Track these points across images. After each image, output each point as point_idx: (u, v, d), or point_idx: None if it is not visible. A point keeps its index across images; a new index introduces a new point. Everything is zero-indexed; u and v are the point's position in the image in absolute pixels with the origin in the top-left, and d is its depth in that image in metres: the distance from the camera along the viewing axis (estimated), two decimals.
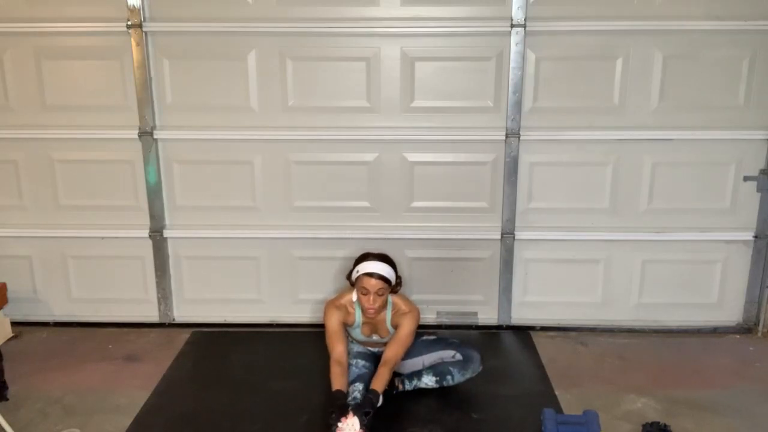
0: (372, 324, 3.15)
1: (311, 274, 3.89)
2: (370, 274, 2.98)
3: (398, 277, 3.11)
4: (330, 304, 3.14)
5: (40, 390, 3.24)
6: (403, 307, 3.11)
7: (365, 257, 3.08)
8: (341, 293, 3.19)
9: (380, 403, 2.90)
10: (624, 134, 3.61)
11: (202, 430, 2.95)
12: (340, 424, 2.71)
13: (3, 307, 3.72)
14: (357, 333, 3.18)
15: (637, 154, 3.66)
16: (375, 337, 3.18)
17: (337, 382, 2.92)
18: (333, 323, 3.08)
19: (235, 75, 3.61)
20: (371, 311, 3.02)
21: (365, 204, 3.79)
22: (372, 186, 3.76)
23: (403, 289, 3.82)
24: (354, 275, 3.05)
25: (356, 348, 3.21)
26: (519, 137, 3.60)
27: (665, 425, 2.87)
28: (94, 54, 3.60)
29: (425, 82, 3.60)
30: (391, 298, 3.12)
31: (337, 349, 3.04)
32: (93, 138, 3.70)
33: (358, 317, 3.13)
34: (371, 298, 2.99)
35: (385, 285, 3.01)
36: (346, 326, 3.15)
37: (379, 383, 2.94)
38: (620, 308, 3.89)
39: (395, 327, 3.11)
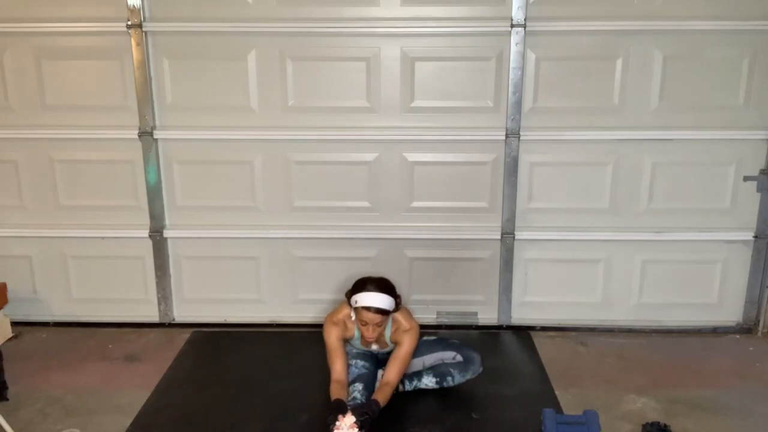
0: None
1: (311, 274, 3.89)
2: (368, 308, 2.94)
3: (398, 298, 3.06)
4: (329, 320, 3.10)
5: (40, 390, 3.24)
6: (403, 323, 3.08)
7: (363, 286, 2.99)
8: (339, 307, 3.13)
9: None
10: (624, 134, 3.61)
11: (202, 430, 2.95)
12: (338, 423, 2.71)
13: (3, 307, 3.71)
14: (356, 344, 3.17)
15: (637, 154, 3.66)
16: (374, 347, 3.17)
17: (337, 396, 2.91)
18: (332, 340, 3.05)
19: (235, 75, 3.61)
20: (371, 340, 3.03)
21: (365, 204, 3.79)
22: (372, 186, 3.76)
23: (403, 290, 3.84)
24: (353, 304, 3.00)
25: (355, 349, 3.20)
26: (519, 137, 3.60)
27: (665, 425, 2.87)
28: (94, 54, 3.60)
29: (425, 82, 3.60)
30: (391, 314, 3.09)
31: (337, 367, 3.01)
32: (93, 138, 3.70)
33: (357, 332, 3.11)
34: (370, 329, 2.98)
35: (384, 316, 2.99)
36: (345, 339, 3.13)
37: (381, 397, 2.93)
38: (620, 308, 3.89)
39: (395, 342, 3.10)
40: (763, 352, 3.68)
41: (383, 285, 3.02)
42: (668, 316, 3.88)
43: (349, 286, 3.07)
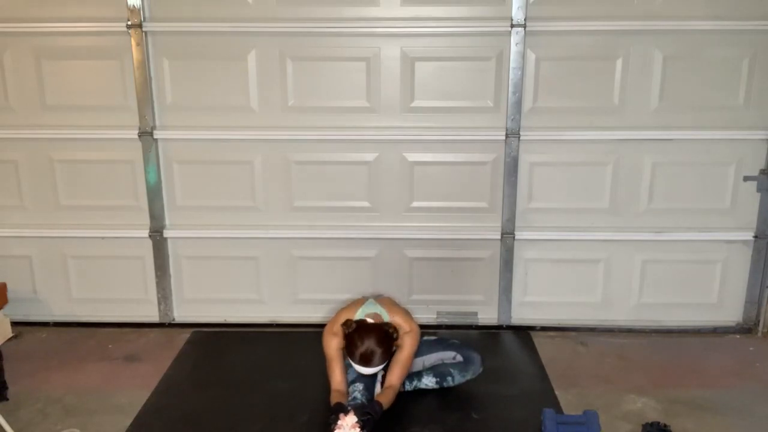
0: None
1: (311, 274, 3.89)
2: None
3: (394, 332, 2.98)
4: (328, 331, 3.06)
5: (40, 390, 3.24)
6: (404, 326, 3.05)
7: (355, 354, 2.88)
8: (337, 316, 3.08)
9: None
10: (624, 134, 3.61)
11: (202, 430, 2.95)
12: (339, 422, 2.71)
13: (3, 307, 3.71)
14: None
15: (637, 154, 3.66)
16: None
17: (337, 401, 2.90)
18: (331, 350, 3.02)
19: (235, 75, 3.60)
20: None
21: (365, 204, 3.79)
22: (372, 186, 3.76)
23: (403, 290, 3.84)
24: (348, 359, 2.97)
25: None
26: (519, 137, 3.60)
27: (665, 425, 2.86)
28: (94, 54, 3.60)
29: (425, 82, 3.60)
30: (389, 317, 3.06)
31: (336, 377, 3.00)
32: (93, 138, 3.70)
33: None
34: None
35: None
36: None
37: (385, 399, 2.92)
38: (620, 308, 3.89)
39: (395, 346, 3.08)
40: (763, 352, 3.68)
41: (380, 356, 2.90)
42: (668, 316, 3.88)
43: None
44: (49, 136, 3.70)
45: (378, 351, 2.88)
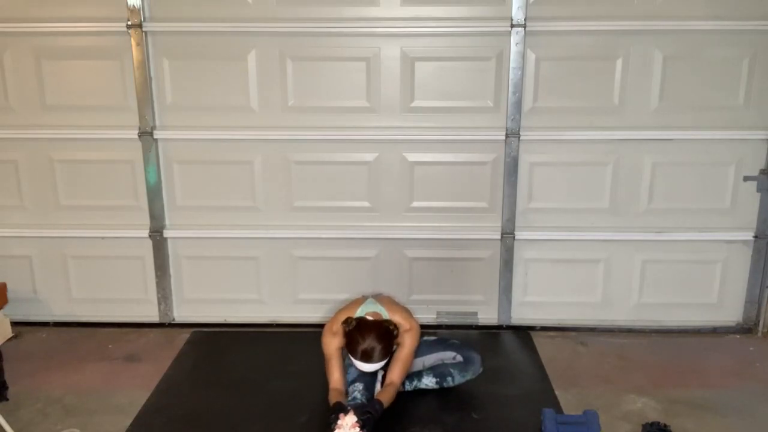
0: None
1: (311, 274, 3.89)
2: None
3: (395, 329, 2.98)
4: (327, 331, 3.06)
5: (40, 390, 3.24)
6: (404, 324, 3.05)
7: (356, 351, 2.89)
8: (337, 316, 3.09)
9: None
10: (624, 134, 3.61)
11: (202, 430, 2.95)
12: (339, 422, 2.71)
13: (3, 307, 3.71)
14: None
15: (637, 154, 3.66)
16: None
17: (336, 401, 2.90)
18: (330, 350, 3.03)
19: (235, 75, 3.60)
20: None
21: (365, 204, 3.79)
22: (372, 186, 3.76)
23: (403, 290, 3.85)
24: (348, 356, 2.97)
25: None
26: (519, 137, 3.60)
27: (665, 425, 2.87)
28: (94, 54, 3.60)
29: (425, 82, 3.60)
30: (389, 315, 3.07)
31: (334, 376, 3.00)
32: (93, 138, 3.70)
33: None
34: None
35: None
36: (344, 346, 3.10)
37: (385, 397, 2.92)
38: (620, 308, 3.89)
39: (396, 343, 3.07)
40: (763, 352, 3.68)
41: (381, 352, 2.90)
42: (668, 316, 3.88)
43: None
44: (49, 136, 3.70)
45: (379, 347, 2.88)
